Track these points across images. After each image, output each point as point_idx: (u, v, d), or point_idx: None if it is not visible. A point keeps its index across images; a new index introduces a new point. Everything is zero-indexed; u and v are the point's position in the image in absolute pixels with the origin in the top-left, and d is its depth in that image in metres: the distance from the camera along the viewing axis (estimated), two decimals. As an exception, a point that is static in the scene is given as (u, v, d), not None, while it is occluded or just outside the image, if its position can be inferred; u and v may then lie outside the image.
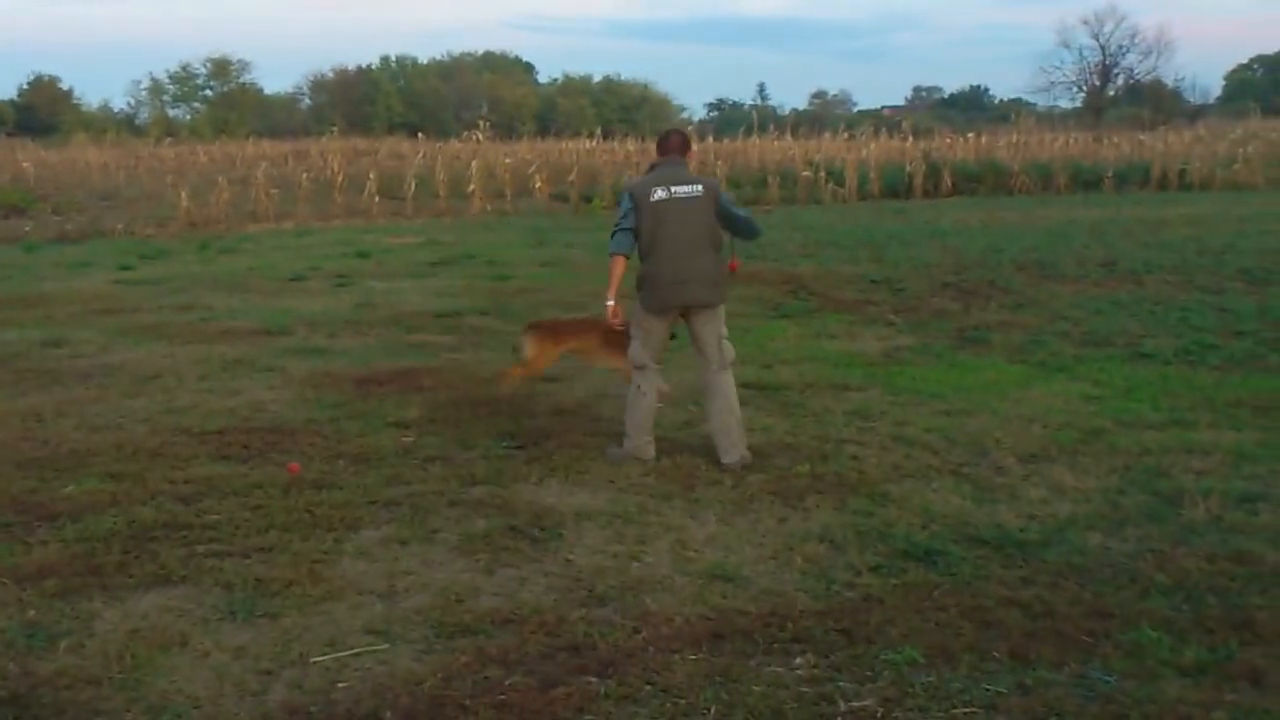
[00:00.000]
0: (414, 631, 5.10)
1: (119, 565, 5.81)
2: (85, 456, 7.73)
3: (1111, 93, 69.93)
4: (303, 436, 8.18)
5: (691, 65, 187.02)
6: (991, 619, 5.13)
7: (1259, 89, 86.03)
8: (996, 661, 4.74)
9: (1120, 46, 67.65)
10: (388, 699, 4.47)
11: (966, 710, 4.36)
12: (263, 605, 5.35)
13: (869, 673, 4.67)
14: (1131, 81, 70.34)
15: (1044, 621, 5.10)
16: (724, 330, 7.59)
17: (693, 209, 7.38)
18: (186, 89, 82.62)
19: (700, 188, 7.44)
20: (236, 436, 8.18)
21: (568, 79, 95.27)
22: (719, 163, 34.30)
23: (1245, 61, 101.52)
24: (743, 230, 7.69)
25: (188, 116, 78.61)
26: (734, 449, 7.43)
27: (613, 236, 7.55)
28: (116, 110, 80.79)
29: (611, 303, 7.62)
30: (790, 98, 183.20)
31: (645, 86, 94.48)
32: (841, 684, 4.57)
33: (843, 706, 4.40)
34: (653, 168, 7.70)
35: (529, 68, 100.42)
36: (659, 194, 7.38)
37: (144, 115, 79.64)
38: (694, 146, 7.98)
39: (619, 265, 7.55)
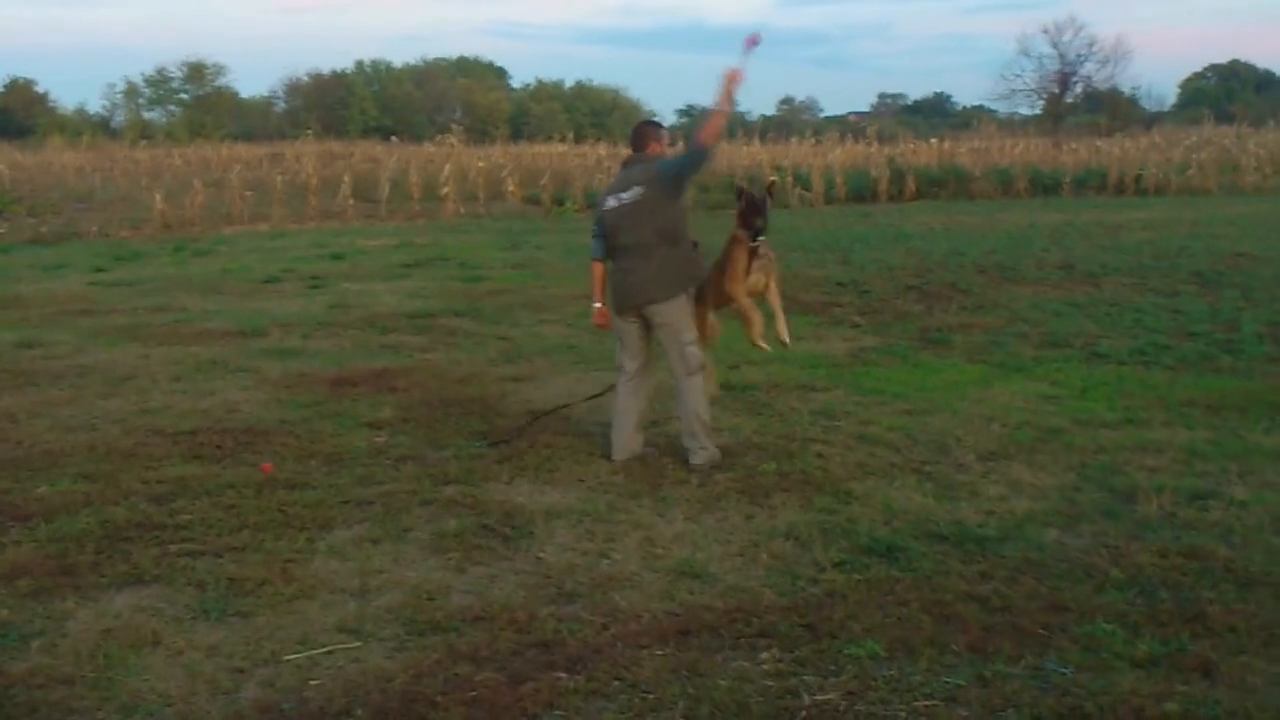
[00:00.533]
0: (386, 629, 5.09)
1: (92, 565, 5.77)
2: (59, 457, 7.67)
3: (1070, 100, 70.11)
4: (276, 437, 8.14)
5: (661, 71, 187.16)
6: (951, 613, 5.15)
7: (1212, 97, 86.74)
8: (955, 655, 4.76)
9: (1079, 55, 67.80)
10: (359, 696, 4.45)
11: (927, 702, 4.38)
12: (235, 604, 5.32)
13: (832, 666, 4.68)
14: (1089, 89, 70.55)
15: (1002, 616, 5.13)
16: (688, 337, 7.40)
17: (637, 214, 7.23)
18: (162, 92, 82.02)
19: (640, 189, 7.22)
20: (210, 437, 8.13)
21: (540, 84, 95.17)
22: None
23: (1199, 70, 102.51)
24: (683, 171, 7.30)
25: (163, 120, 77.98)
26: (699, 451, 7.38)
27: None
28: (92, 113, 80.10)
29: (598, 305, 7.65)
30: (758, 104, 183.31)
31: (616, 92, 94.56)
32: (806, 678, 4.58)
33: (807, 700, 4.41)
34: (624, 165, 7.61)
35: (502, 73, 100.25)
36: (609, 203, 7.38)
37: (119, 118, 79.01)
38: (661, 135, 7.70)
39: (596, 269, 7.59)
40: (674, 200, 7.26)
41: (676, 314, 7.35)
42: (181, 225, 26.01)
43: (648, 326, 7.47)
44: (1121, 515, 6.42)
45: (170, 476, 7.22)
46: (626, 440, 7.57)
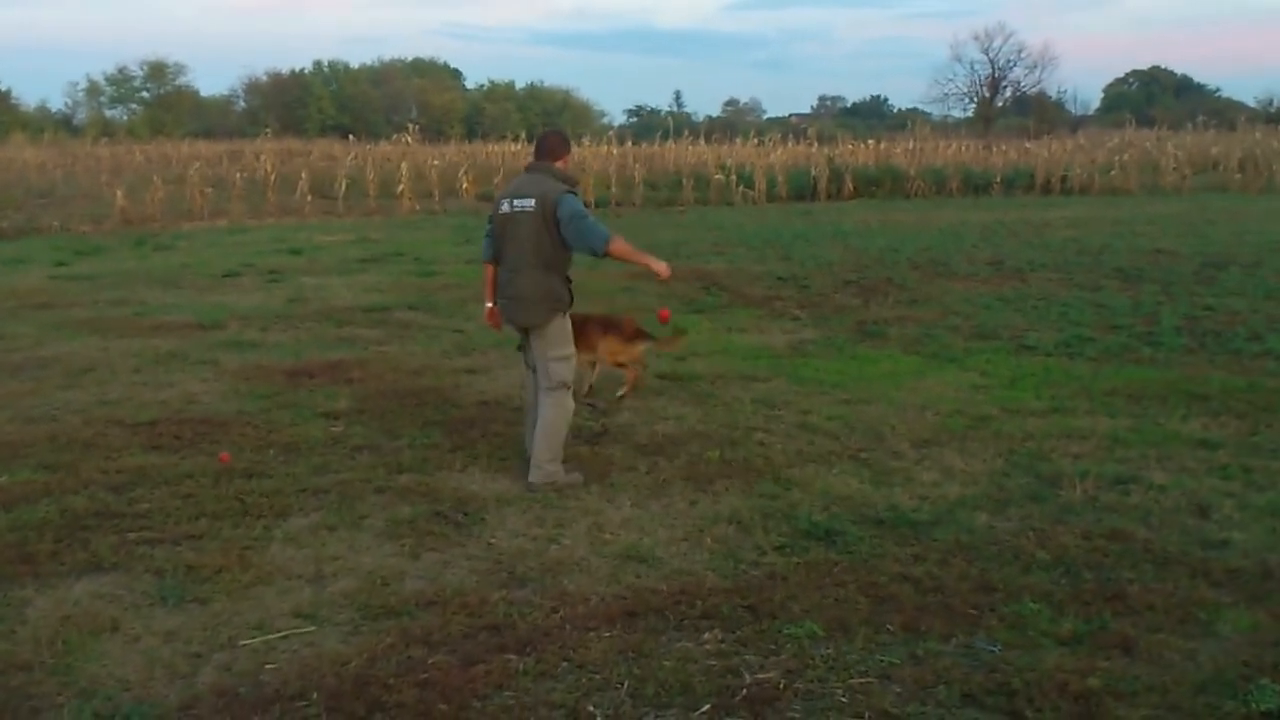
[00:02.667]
0: (341, 614, 5.04)
1: (51, 553, 5.67)
2: (19, 447, 7.54)
3: (1000, 104, 70.81)
4: (234, 427, 8.05)
5: (611, 73, 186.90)
6: (886, 594, 5.18)
7: (1134, 101, 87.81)
8: (890, 634, 4.79)
9: (1008, 61, 68.52)
10: (314, 679, 4.41)
11: (862, 680, 4.39)
12: (193, 591, 5.25)
13: (773, 646, 4.69)
14: (1018, 93, 71.32)
15: (934, 596, 5.16)
16: (556, 352, 6.85)
17: (523, 225, 6.68)
18: (123, 90, 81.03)
19: (532, 202, 6.66)
20: (168, 427, 8.03)
21: (493, 85, 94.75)
22: (637, 165, 34.26)
23: (1122, 76, 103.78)
24: (575, 242, 6.67)
25: (124, 117, 77.05)
26: (536, 469, 6.79)
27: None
28: (54, 111, 78.88)
29: (489, 305, 7.16)
30: (704, 105, 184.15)
31: (567, 93, 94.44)
32: (747, 657, 4.59)
33: (748, 679, 4.41)
34: (527, 170, 7.03)
35: (457, 74, 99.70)
36: (504, 206, 6.82)
37: (81, 116, 77.88)
38: (569, 149, 7.09)
39: (487, 270, 7.08)
40: (556, 238, 6.69)
41: (553, 333, 6.86)
42: (142, 221, 25.66)
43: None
44: (1047, 499, 6.48)
45: (129, 466, 7.12)
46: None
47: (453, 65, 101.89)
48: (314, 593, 5.26)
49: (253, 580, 5.38)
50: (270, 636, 4.81)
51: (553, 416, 6.85)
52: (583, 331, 7.80)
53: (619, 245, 6.60)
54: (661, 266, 6.79)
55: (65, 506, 6.35)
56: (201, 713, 4.18)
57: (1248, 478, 6.86)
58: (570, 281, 6.94)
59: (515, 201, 6.76)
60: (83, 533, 5.95)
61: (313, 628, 4.90)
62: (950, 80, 70.27)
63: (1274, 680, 4.29)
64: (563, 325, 6.91)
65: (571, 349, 6.99)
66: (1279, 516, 6.18)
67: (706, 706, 4.21)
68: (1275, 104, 75.59)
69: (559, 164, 6.92)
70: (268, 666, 4.55)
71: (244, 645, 4.73)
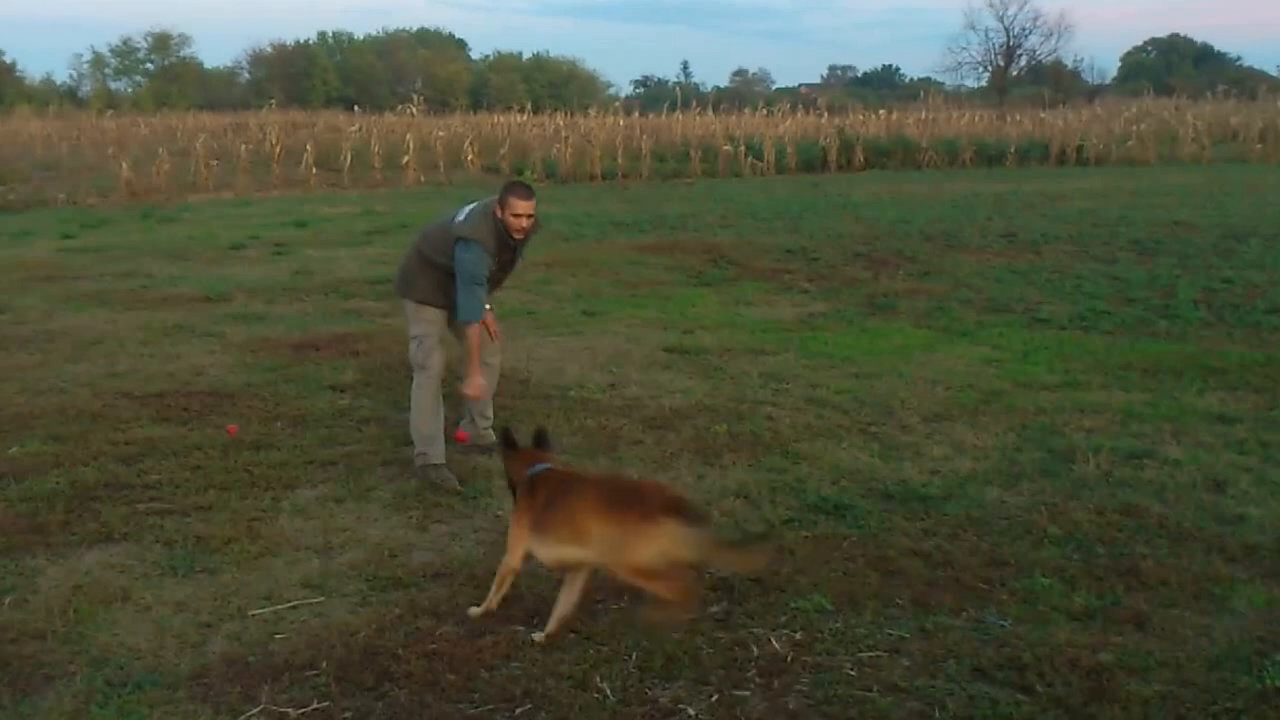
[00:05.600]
0: (349, 585, 5.09)
1: (62, 524, 5.73)
2: (29, 419, 7.59)
3: (1015, 73, 70.39)
4: (241, 399, 8.09)
5: (618, 44, 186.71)
6: (895, 568, 5.21)
7: (1152, 70, 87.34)
8: (899, 608, 4.82)
9: (1023, 29, 68.05)
10: (323, 649, 4.46)
11: (871, 653, 4.43)
12: (202, 561, 5.31)
13: (781, 619, 4.72)
14: (1034, 62, 70.90)
15: (944, 570, 5.19)
16: (412, 331, 6.80)
17: (440, 222, 6.81)
18: (128, 63, 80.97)
19: (459, 215, 6.65)
20: (176, 400, 8.08)
21: (499, 56, 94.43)
22: (644, 136, 34.18)
23: (1140, 44, 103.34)
24: (457, 277, 6.53)
25: (129, 89, 77.01)
26: (417, 455, 6.69)
27: None
28: (59, 83, 78.80)
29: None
30: (712, 75, 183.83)
31: (573, 63, 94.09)
32: (755, 630, 4.63)
33: (755, 651, 4.45)
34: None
35: (462, 45, 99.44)
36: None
37: (86, 88, 77.84)
38: (504, 202, 6.59)
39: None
40: (447, 246, 6.55)
41: (409, 313, 6.83)
42: (147, 193, 25.66)
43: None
44: (1060, 474, 6.50)
45: (138, 438, 7.17)
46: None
47: (458, 36, 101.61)
48: (322, 564, 5.32)
49: (261, 551, 5.44)
50: (279, 607, 4.86)
51: (417, 397, 6.76)
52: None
53: (474, 332, 6.53)
54: (472, 385, 6.65)
55: (75, 478, 6.41)
56: (211, 681, 4.24)
57: (1265, 453, 6.87)
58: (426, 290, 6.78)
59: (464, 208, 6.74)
60: (93, 504, 6.01)
61: (321, 598, 4.95)
62: (964, 49, 70.21)
63: (1287, 655, 4.32)
64: (416, 312, 6.78)
65: (418, 331, 6.79)
66: (1294, 491, 6.19)
67: (714, 679, 4.25)
68: (1296, 74, 75.20)
69: (497, 212, 6.59)
70: (277, 636, 4.60)
71: (253, 615, 4.79)
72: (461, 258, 6.47)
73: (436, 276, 6.69)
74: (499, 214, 6.55)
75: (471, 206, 6.72)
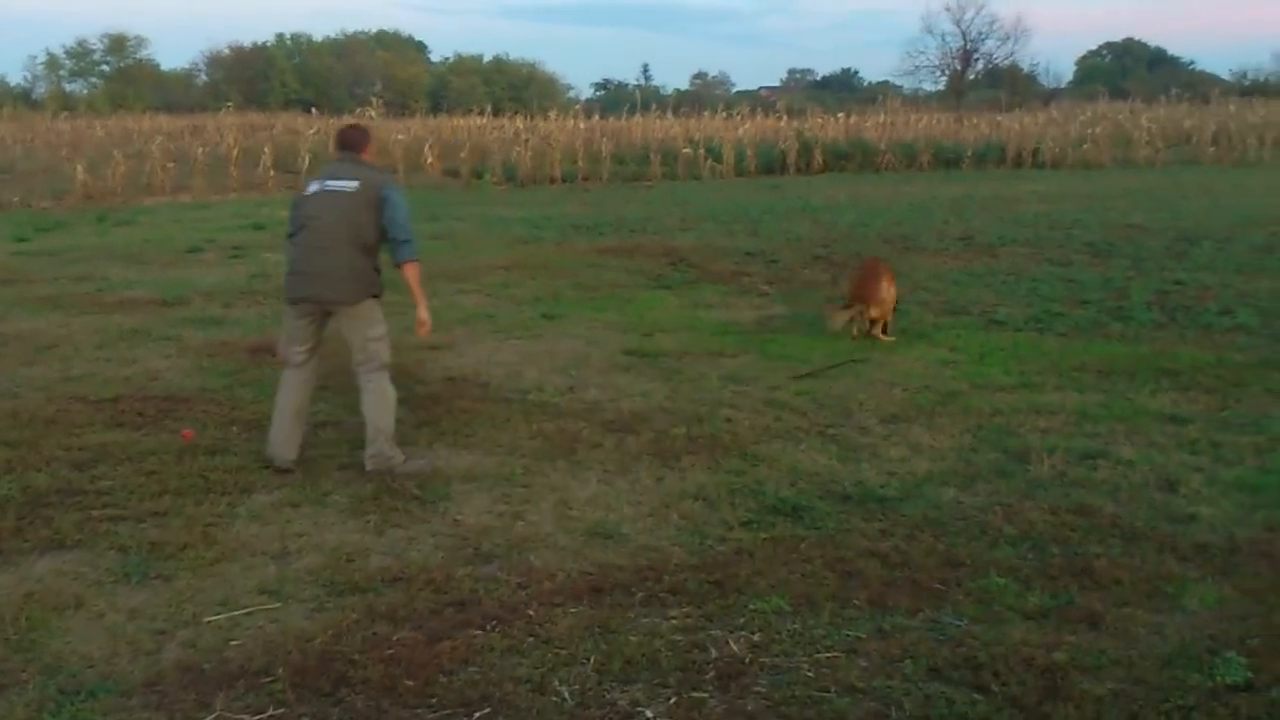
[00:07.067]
0: (305, 591, 5.05)
1: (14, 530, 5.66)
2: (-21, 425, 7.50)
3: (972, 76, 70.80)
4: (197, 404, 8.03)
5: (578, 46, 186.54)
6: (853, 569, 5.22)
7: (1107, 74, 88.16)
8: (857, 609, 4.84)
9: (980, 33, 68.42)
10: (279, 655, 4.42)
11: (828, 654, 4.44)
12: (157, 568, 5.25)
13: (739, 621, 4.72)
14: (990, 66, 71.31)
15: (901, 571, 5.21)
16: (374, 332, 6.67)
17: (338, 203, 6.54)
18: (83, 64, 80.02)
19: (356, 184, 6.56)
20: (131, 404, 8.00)
21: (459, 58, 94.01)
22: (604, 139, 34.19)
23: (1095, 48, 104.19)
24: (392, 229, 6.56)
25: (85, 91, 76.08)
26: (372, 458, 6.65)
27: None
28: (13, 85, 77.80)
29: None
30: (672, 78, 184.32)
31: (533, 66, 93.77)
32: (713, 632, 4.63)
33: (714, 653, 4.45)
34: (338, 160, 6.91)
35: (421, 47, 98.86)
36: (312, 187, 6.73)
37: (41, 90, 76.80)
38: (371, 141, 7.05)
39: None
40: (375, 221, 6.56)
41: (365, 313, 6.67)
42: (103, 196, 25.44)
43: (325, 317, 6.75)
44: (1015, 475, 6.54)
45: (92, 443, 7.10)
46: (288, 436, 6.74)
47: (418, 38, 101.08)
48: (278, 569, 5.27)
49: (217, 557, 5.39)
50: (235, 613, 4.82)
51: (378, 399, 6.71)
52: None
53: (415, 268, 6.67)
54: (424, 316, 6.85)
55: (27, 484, 6.33)
56: (166, 689, 4.19)
57: (1216, 453, 6.94)
58: (380, 271, 6.73)
59: (330, 183, 6.64)
60: (45, 510, 5.94)
61: (277, 604, 4.91)
62: (922, 53, 70.14)
63: (1240, 654, 4.36)
64: (374, 307, 6.72)
65: (385, 328, 6.79)
66: (1246, 491, 6.26)
67: (673, 681, 4.25)
68: (1249, 77, 76.13)
69: (364, 155, 6.88)
70: (232, 643, 4.56)
71: (208, 622, 4.74)
72: (397, 198, 6.63)
73: (376, 260, 6.69)
74: (369, 156, 6.95)
75: (346, 172, 6.71)
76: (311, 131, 34.63)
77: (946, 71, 69.69)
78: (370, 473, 6.55)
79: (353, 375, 6.86)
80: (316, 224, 6.55)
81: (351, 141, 6.92)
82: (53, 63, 79.37)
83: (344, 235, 6.51)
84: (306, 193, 6.72)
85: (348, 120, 40.33)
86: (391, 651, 4.45)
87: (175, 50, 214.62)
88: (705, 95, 77.65)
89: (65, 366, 9.19)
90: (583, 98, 78.71)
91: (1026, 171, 34.15)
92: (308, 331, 6.74)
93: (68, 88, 77.17)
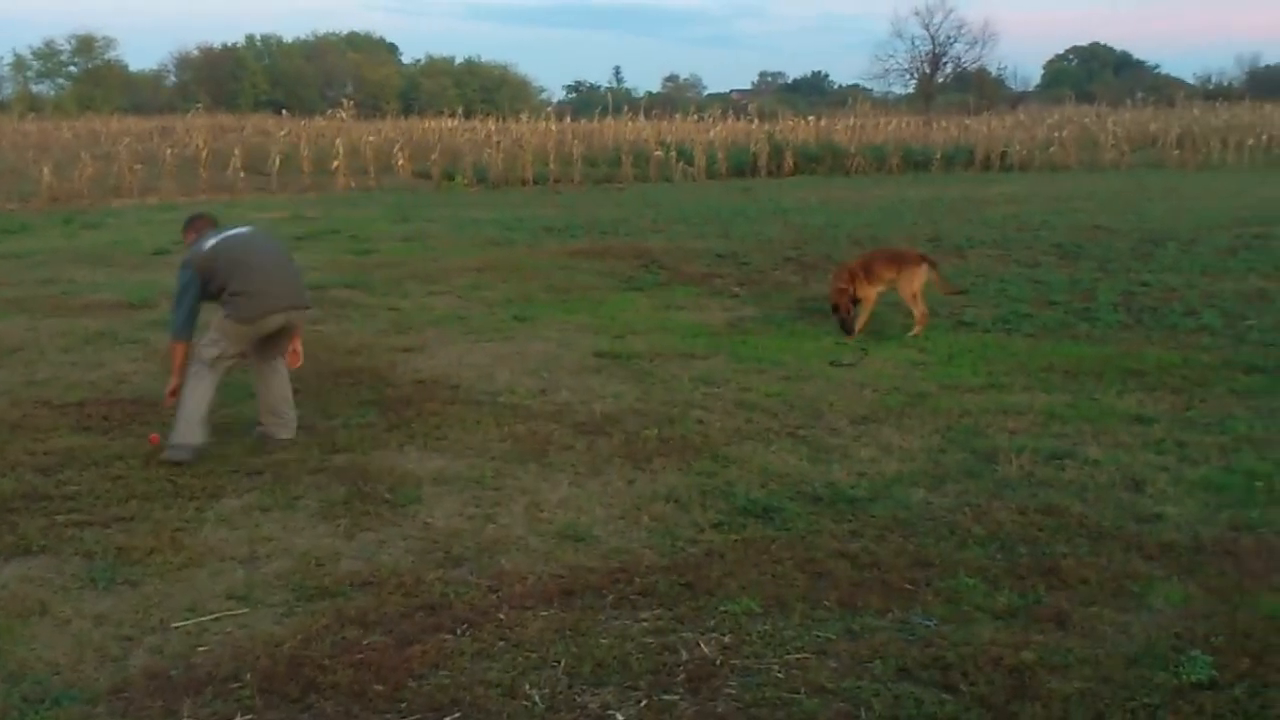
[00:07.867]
0: (274, 595, 5.01)
1: (-22, 536, 5.60)
2: (-56, 430, 7.42)
3: (940, 80, 71.04)
4: (164, 408, 7.94)
5: (550, 48, 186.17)
6: (823, 570, 5.23)
7: (1074, 77, 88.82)
8: (827, 610, 4.84)
9: (949, 36, 68.67)
10: (247, 661, 4.38)
11: (799, 655, 4.44)
12: (123, 573, 5.20)
13: (710, 623, 4.72)
14: (959, 69, 71.60)
15: (870, 572, 5.22)
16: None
17: (257, 236, 7.61)
18: (51, 65, 79.30)
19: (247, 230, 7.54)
20: (98, 408, 7.93)
21: (431, 60, 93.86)
22: (576, 142, 34.18)
23: (1062, 52, 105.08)
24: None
25: (52, 93, 75.52)
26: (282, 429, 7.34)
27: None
28: (-22, 86, 77.27)
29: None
30: (644, 81, 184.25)
31: (505, 68, 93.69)
32: (684, 634, 4.62)
33: (685, 655, 4.44)
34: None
35: (393, 49, 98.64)
36: (215, 240, 7.24)
37: (7, 91, 76.13)
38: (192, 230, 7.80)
39: (176, 353, 7.17)
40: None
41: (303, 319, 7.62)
42: (70, 198, 25.24)
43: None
44: (983, 475, 6.56)
45: (58, 448, 7.03)
46: (197, 430, 6.90)
47: (389, 40, 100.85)
48: (247, 574, 5.23)
49: (185, 562, 5.34)
50: (203, 619, 4.78)
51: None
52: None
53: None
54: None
55: (-9, 489, 6.26)
56: (132, 696, 4.15)
57: (1181, 452, 6.98)
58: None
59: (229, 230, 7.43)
60: (10, 515, 5.87)
61: (246, 609, 4.87)
62: (891, 56, 70.33)
63: (1205, 652, 4.39)
64: (225, 325, 7.06)
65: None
66: (1211, 490, 6.29)
67: (643, 684, 4.24)
68: (1213, 81, 76.81)
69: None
70: (200, 649, 4.51)
71: (176, 628, 4.70)
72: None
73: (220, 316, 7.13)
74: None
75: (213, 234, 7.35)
76: (282, 133, 34.49)
77: (915, 75, 69.96)
78: (338, 476, 6.53)
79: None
80: (254, 259, 7.18)
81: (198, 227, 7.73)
82: (20, 64, 78.67)
83: (281, 246, 7.64)
84: (219, 243, 7.23)
85: (320, 122, 40.35)
86: (361, 656, 4.42)
87: (144, 51, 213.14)
88: (677, 98, 77.94)
89: (30, 370, 9.10)
90: (554, 100, 78.83)
91: (994, 174, 34.37)
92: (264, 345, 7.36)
93: (35, 89, 76.57)
